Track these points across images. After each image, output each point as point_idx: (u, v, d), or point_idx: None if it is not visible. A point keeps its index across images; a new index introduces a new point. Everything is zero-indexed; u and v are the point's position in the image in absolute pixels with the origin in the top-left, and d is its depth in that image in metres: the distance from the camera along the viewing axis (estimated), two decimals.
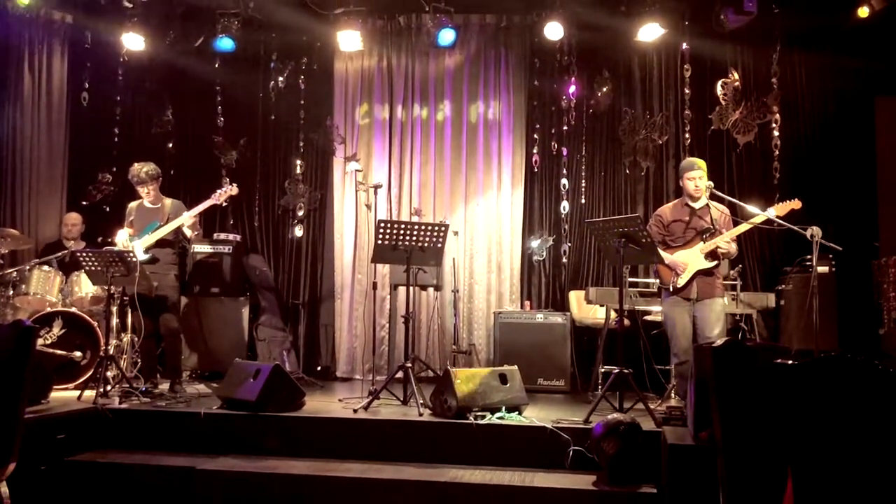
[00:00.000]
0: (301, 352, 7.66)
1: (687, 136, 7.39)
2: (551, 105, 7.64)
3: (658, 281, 5.41)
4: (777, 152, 7.28)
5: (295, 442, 4.82)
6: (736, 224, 5.19)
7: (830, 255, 6.29)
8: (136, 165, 5.92)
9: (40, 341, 5.79)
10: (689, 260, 5.11)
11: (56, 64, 7.77)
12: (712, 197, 5.25)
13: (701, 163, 5.26)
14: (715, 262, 5.13)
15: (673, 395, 5.48)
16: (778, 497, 2.37)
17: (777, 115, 7.30)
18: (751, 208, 5.38)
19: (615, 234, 4.90)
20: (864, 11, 6.64)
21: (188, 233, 5.93)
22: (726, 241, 5.08)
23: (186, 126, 8.08)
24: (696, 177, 5.20)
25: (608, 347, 6.09)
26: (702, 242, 5.12)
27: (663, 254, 5.13)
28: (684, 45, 7.38)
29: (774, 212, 5.09)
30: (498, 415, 4.80)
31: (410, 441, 4.74)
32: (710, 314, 5.07)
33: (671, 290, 5.15)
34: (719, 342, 2.66)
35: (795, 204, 5.08)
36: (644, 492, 4.03)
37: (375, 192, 6.18)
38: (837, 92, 7.19)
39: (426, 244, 5.37)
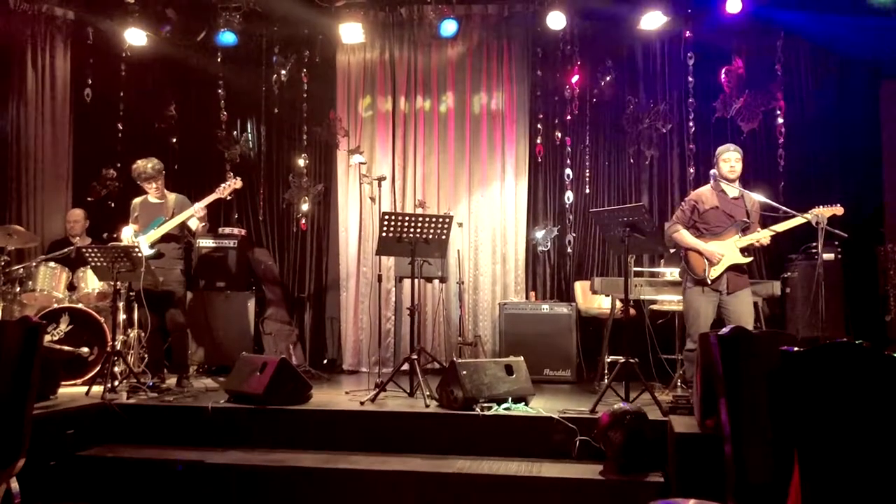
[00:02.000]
0: (307, 345, 7.70)
1: (691, 124, 7.36)
2: (554, 95, 7.61)
3: (682, 269, 5.22)
4: (781, 139, 7.24)
5: (302, 435, 4.84)
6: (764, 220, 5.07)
7: (836, 242, 6.26)
8: (139, 162, 5.89)
9: (47, 337, 5.81)
10: (725, 252, 5.00)
11: (59, 61, 7.75)
12: None
13: (736, 148, 5.22)
14: (751, 258, 5.05)
15: (679, 382, 5.48)
16: (784, 484, 2.37)
17: (781, 102, 7.26)
18: (759, 198, 5.31)
19: (620, 224, 4.88)
20: None
21: (195, 225, 5.88)
22: (767, 238, 4.97)
23: (189, 121, 8.07)
24: (732, 159, 5.14)
25: (614, 337, 6.08)
26: (737, 235, 5.01)
27: (697, 241, 5.04)
28: (687, 33, 7.33)
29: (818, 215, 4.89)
30: (504, 405, 4.81)
31: (417, 433, 4.75)
32: (746, 308, 4.99)
33: (700, 281, 5.00)
34: (725, 330, 2.66)
35: (838, 210, 4.93)
36: (651, 480, 4.04)
37: (379, 185, 6.18)
38: (842, 77, 7.14)
39: (431, 236, 5.36)
